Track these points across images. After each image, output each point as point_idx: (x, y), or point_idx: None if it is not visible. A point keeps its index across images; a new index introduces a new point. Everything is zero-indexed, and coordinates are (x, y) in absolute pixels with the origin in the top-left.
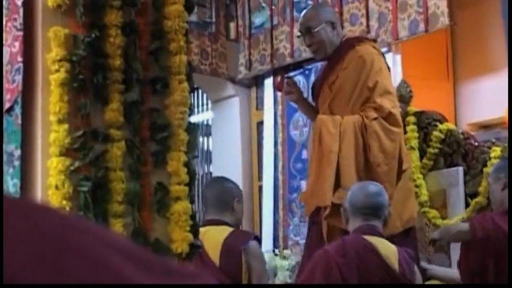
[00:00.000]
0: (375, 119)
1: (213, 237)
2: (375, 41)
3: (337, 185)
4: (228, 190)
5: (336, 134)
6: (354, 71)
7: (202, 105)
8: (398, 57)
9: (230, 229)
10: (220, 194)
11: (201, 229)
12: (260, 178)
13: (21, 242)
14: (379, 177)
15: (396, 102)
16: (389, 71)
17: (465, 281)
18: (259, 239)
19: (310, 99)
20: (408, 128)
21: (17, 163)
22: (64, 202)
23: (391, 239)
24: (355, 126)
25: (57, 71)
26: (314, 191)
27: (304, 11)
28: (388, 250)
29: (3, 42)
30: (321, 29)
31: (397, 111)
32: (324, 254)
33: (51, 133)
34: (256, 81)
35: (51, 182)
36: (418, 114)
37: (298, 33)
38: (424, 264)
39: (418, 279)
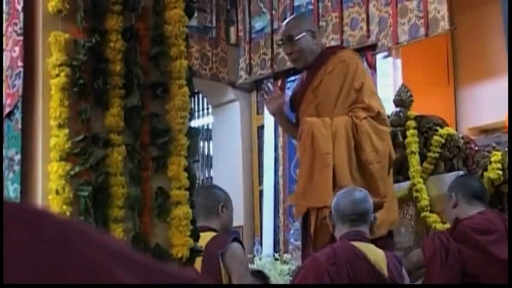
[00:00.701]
0: (365, 118)
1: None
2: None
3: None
4: (212, 196)
5: (329, 135)
6: (339, 74)
7: (203, 109)
8: (399, 62)
9: (213, 234)
10: (205, 200)
11: None
12: (260, 182)
13: (22, 248)
14: (372, 175)
15: (382, 103)
16: None
17: None
18: (239, 241)
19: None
20: (409, 133)
21: (17, 168)
22: (64, 207)
23: (377, 241)
24: (345, 127)
25: (58, 75)
26: (306, 192)
27: (285, 20)
28: (377, 255)
29: (4, 47)
30: (301, 37)
31: (384, 111)
32: (315, 262)
33: (52, 138)
34: (257, 86)
35: (51, 187)
36: (419, 119)
37: (279, 42)
38: None
39: (407, 282)
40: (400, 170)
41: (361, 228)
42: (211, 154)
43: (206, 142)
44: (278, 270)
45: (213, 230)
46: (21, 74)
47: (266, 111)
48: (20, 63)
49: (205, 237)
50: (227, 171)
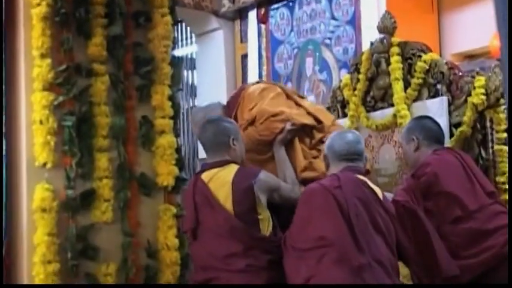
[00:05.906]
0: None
1: (222, 178)
2: None
3: None
4: (222, 130)
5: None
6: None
7: (186, 38)
8: None
9: (237, 167)
10: (215, 136)
11: (208, 172)
12: None
13: None
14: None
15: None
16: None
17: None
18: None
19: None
20: (392, 59)
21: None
22: (48, 137)
23: None
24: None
25: (39, 5)
26: None
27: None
28: (375, 187)
29: None
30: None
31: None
32: (319, 185)
33: (34, 68)
34: (240, 14)
35: (35, 117)
36: (402, 45)
37: None
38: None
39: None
40: (384, 97)
41: (359, 164)
42: (195, 83)
43: (190, 71)
44: None
45: (233, 162)
46: (3, 4)
47: (249, 40)
48: None
49: (229, 171)
50: (211, 101)
